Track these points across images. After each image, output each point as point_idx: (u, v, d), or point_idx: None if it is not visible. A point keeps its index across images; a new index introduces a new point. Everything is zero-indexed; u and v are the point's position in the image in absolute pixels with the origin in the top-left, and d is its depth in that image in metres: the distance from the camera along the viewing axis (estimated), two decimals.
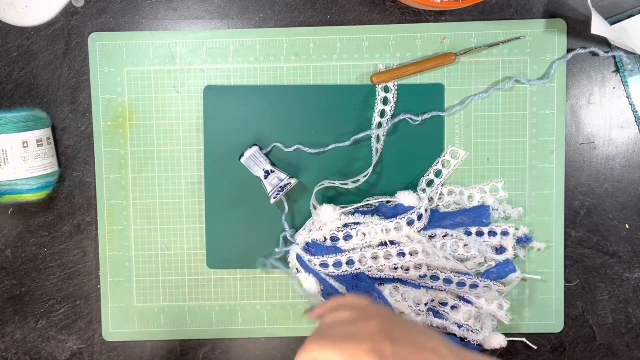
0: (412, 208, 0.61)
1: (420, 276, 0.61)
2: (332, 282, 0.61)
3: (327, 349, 0.41)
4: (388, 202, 0.62)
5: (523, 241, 0.63)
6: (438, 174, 0.63)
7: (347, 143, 0.62)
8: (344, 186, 0.62)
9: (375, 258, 0.61)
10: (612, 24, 0.62)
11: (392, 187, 0.63)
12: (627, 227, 0.64)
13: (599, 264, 0.64)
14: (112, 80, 0.63)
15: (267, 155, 0.63)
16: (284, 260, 0.63)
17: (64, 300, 0.64)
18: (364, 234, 0.61)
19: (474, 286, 0.61)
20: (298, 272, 0.62)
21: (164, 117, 0.63)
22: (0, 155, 0.58)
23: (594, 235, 0.64)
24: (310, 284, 0.61)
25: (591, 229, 0.64)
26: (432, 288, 0.62)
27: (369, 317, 0.44)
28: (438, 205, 0.63)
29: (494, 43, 0.62)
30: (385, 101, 0.62)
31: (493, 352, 0.64)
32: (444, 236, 0.62)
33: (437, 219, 0.62)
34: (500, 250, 0.63)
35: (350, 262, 0.61)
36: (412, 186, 0.63)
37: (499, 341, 0.62)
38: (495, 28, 0.62)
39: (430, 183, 0.63)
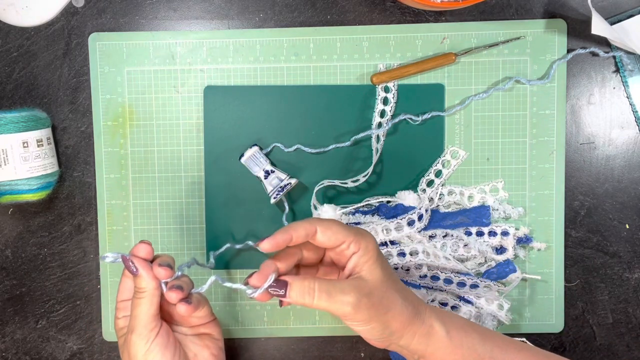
0: (412, 208, 0.61)
1: (420, 276, 0.61)
2: None
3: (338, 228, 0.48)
4: (388, 202, 0.63)
5: (523, 241, 0.63)
6: (438, 174, 0.63)
7: (347, 143, 0.62)
8: (343, 185, 0.62)
9: None
10: (612, 24, 0.62)
11: (392, 187, 0.63)
12: (627, 227, 0.64)
13: (599, 264, 0.64)
14: (112, 80, 0.63)
15: (267, 155, 0.63)
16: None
17: (64, 300, 0.64)
18: None
19: (474, 286, 0.61)
20: None
21: (164, 117, 0.63)
22: (0, 155, 0.58)
23: (594, 235, 0.64)
24: None
25: (591, 229, 0.64)
26: (432, 288, 0.62)
27: None
28: (438, 205, 0.63)
29: (494, 43, 0.62)
30: (385, 101, 0.62)
31: None
32: (444, 236, 0.62)
33: (438, 219, 0.62)
34: (500, 250, 0.63)
35: None
36: (412, 186, 0.63)
37: None
38: (495, 28, 0.62)
39: (430, 183, 0.63)
